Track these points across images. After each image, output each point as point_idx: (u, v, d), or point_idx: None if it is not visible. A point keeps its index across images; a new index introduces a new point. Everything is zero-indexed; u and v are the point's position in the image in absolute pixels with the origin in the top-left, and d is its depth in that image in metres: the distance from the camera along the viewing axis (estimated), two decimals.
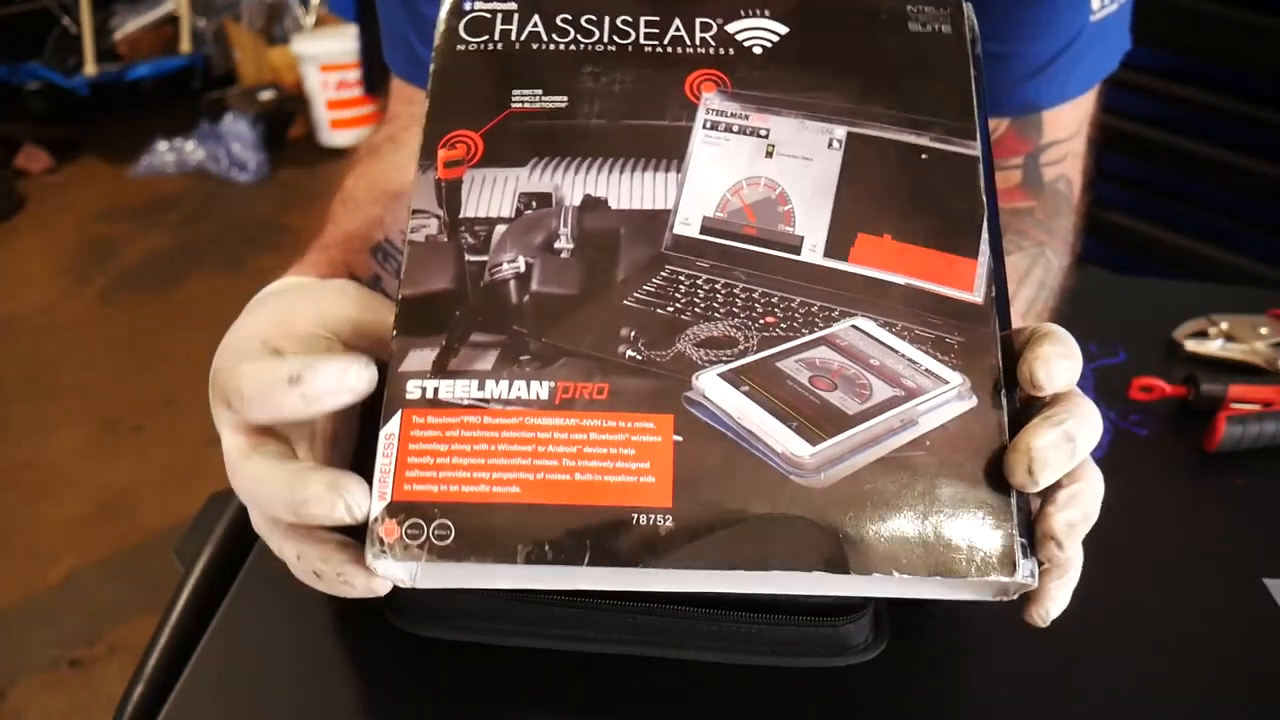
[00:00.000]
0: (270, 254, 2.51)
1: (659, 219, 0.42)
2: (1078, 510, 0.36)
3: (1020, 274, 0.60)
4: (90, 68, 2.97)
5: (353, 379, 0.35)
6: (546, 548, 0.34)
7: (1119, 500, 0.60)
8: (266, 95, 3.01)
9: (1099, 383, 0.70)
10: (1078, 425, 0.36)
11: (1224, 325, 0.73)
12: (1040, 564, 0.36)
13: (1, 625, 1.56)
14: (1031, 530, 0.36)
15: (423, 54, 0.67)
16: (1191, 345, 0.72)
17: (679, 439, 0.36)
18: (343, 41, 2.81)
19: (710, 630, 0.44)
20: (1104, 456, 0.63)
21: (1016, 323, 0.58)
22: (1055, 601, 0.37)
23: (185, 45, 3.12)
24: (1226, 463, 0.63)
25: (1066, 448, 0.35)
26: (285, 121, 3.04)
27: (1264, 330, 0.73)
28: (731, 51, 0.45)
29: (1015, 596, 0.37)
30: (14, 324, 2.29)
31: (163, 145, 2.90)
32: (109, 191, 2.83)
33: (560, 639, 0.45)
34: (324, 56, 2.86)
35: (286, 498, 0.35)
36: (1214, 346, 0.72)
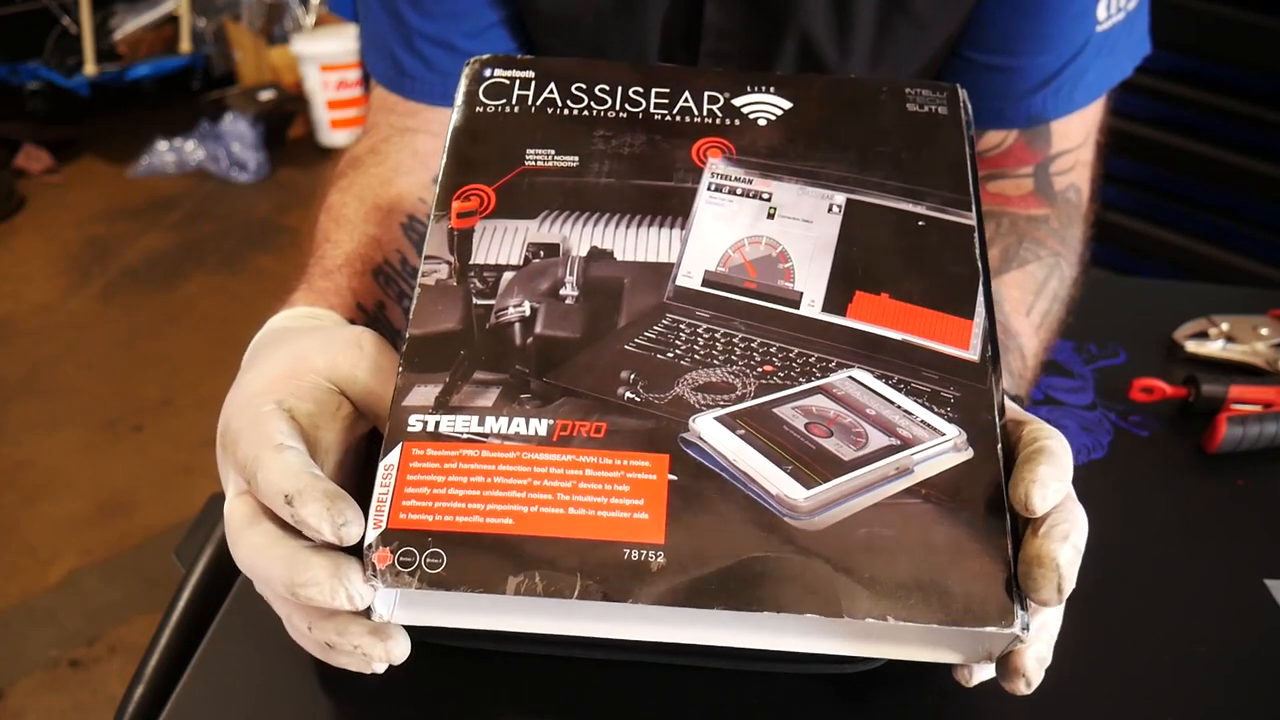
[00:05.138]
0: (270, 254, 2.51)
1: (662, 271, 0.43)
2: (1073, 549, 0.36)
3: (1038, 284, 0.60)
4: (90, 68, 2.96)
5: (327, 532, 0.35)
6: (537, 578, 0.34)
7: (1119, 501, 0.60)
8: (266, 95, 3.00)
9: (1099, 383, 0.70)
10: (1080, 537, 0.36)
11: (1224, 326, 0.73)
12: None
13: (1, 625, 1.56)
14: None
15: (407, 63, 0.66)
16: (1192, 346, 0.72)
17: (674, 478, 0.36)
18: (343, 41, 2.81)
19: None
20: (1105, 457, 0.64)
21: (1029, 335, 0.58)
22: (1039, 659, 0.37)
23: (185, 45, 3.12)
24: (1227, 463, 0.63)
25: (1077, 561, 0.35)
26: (285, 121, 3.03)
27: (1264, 331, 0.73)
28: (737, 122, 0.47)
29: (994, 658, 0.37)
30: (14, 324, 2.28)
31: (163, 145, 2.90)
32: (109, 191, 2.82)
33: (565, 647, 0.45)
34: (324, 56, 2.85)
35: (285, 578, 0.35)
36: (1214, 347, 0.72)
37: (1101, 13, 0.61)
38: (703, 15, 0.63)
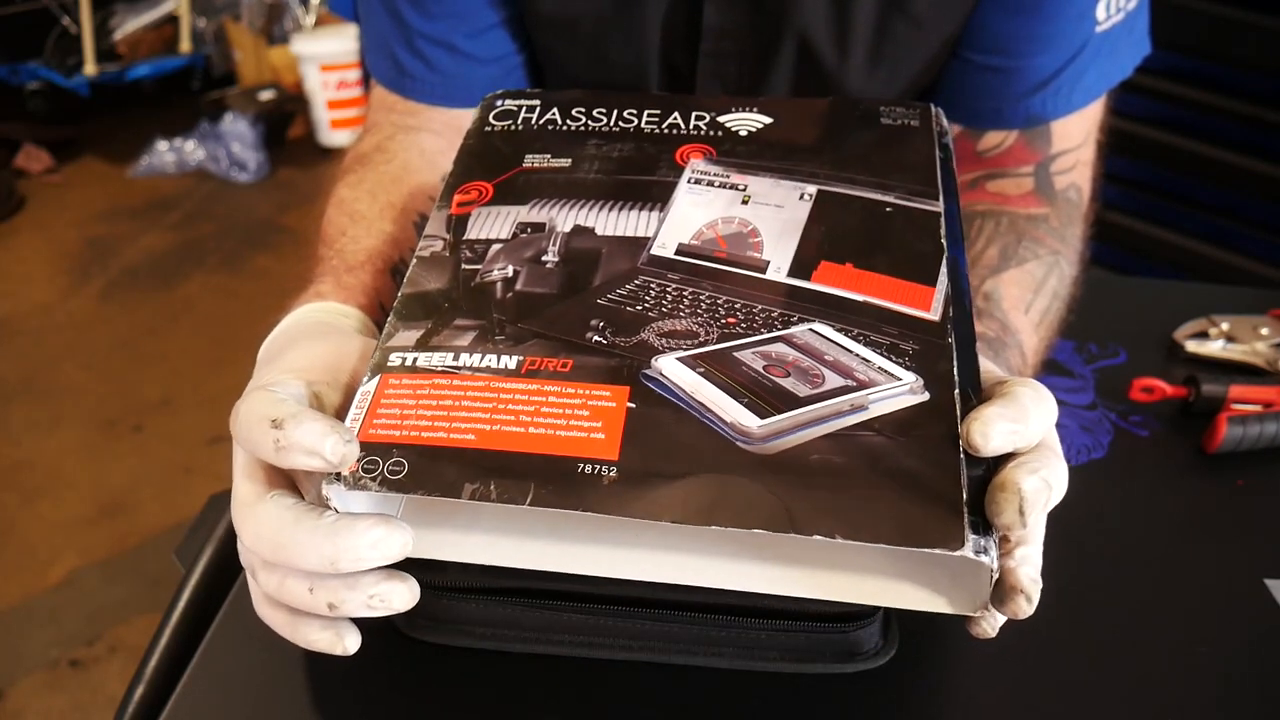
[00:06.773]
0: (270, 254, 2.50)
1: (639, 244, 0.46)
2: (1040, 480, 0.35)
3: (1036, 282, 0.60)
4: (90, 68, 2.96)
5: (328, 448, 0.34)
6: (492, 486, 0.35)
7: (1119, 501, 0.60)
8: (266, 95, 3.00)
9: (1099, 383, 0.70)
10: (1053, 476, 0.35)
11: (1225, 326, 0.73)
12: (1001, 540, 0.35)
13: (1, 625, 1.56)
14: (981, 510, 0.35)
15: (408, 63, 0.66)
16: (1192, 346, 0.72)
17: (633, 405, 0.38)
18: (343, 41, 2.81)
19: (719, 636, 0.44)
20: (1105, 457, 0.64)
21: (1028, 332, 0.58)
22: (1025, 586, 0.36)
23: (185, 45, 3.12)
24: (1227, 463, 0.63)
25: (1046, 494, 0.35)
26: (285, 121, 3.03)
27: (1265, 331, 0.73)
28: (720, 134, 0.51)
29: (986, 609, 0.36)
30: (14, 324, 2.28)
31: (163, 145, 2.90)
32: (109, 191, 2.83)
33: (568, 645, 0.45)
34: (324, 56, 2.85)
35: (326, 548, 0.34)
36: (1215, 347, 0.72)
37: (1101, 13, 0.61)
38: (702, 16, 0.63)
